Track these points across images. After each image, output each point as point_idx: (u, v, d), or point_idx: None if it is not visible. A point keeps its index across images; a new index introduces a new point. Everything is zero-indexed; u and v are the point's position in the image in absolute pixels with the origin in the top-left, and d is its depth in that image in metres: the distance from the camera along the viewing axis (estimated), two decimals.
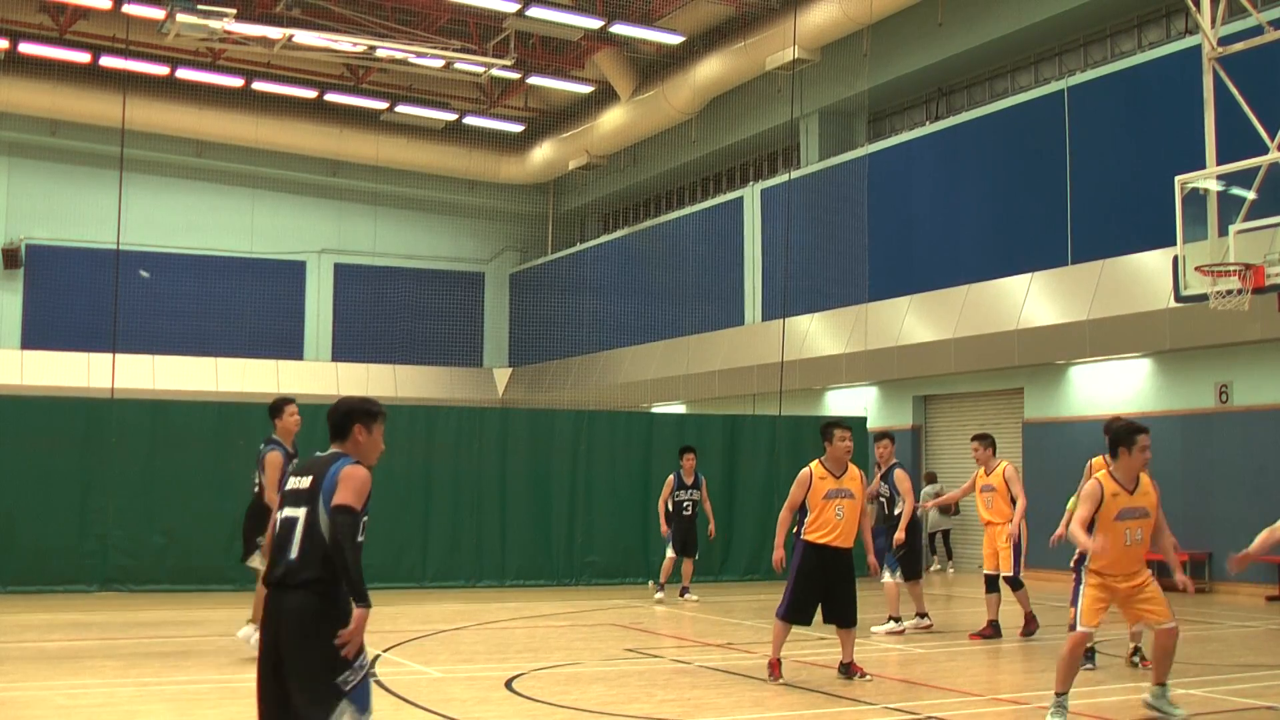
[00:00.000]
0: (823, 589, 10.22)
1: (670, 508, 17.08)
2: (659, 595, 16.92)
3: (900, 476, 13.86)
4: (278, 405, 11.40)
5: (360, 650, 5.37)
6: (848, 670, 10.26)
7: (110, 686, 9.80)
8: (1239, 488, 18.13)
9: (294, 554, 5.45)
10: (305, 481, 5.61)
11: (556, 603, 16.04)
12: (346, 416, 5.74)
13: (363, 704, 5.37)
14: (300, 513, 5.52)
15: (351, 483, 5.47)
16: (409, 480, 18.77)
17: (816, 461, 10.41)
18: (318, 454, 5.78)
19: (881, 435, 14.45)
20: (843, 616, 10.29)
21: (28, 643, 12.46)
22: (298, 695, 5.33)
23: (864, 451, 21.44)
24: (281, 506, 5.65)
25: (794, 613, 10.25)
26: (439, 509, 18.89)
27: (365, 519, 5.49)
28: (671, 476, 17.23)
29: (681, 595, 17.08)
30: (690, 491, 17.17)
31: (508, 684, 9.91)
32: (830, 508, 10.17)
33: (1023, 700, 9.46)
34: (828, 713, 9.13)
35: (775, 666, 10.12)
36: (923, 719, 8.70)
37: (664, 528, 17.06)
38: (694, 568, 17.48)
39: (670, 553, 17.02)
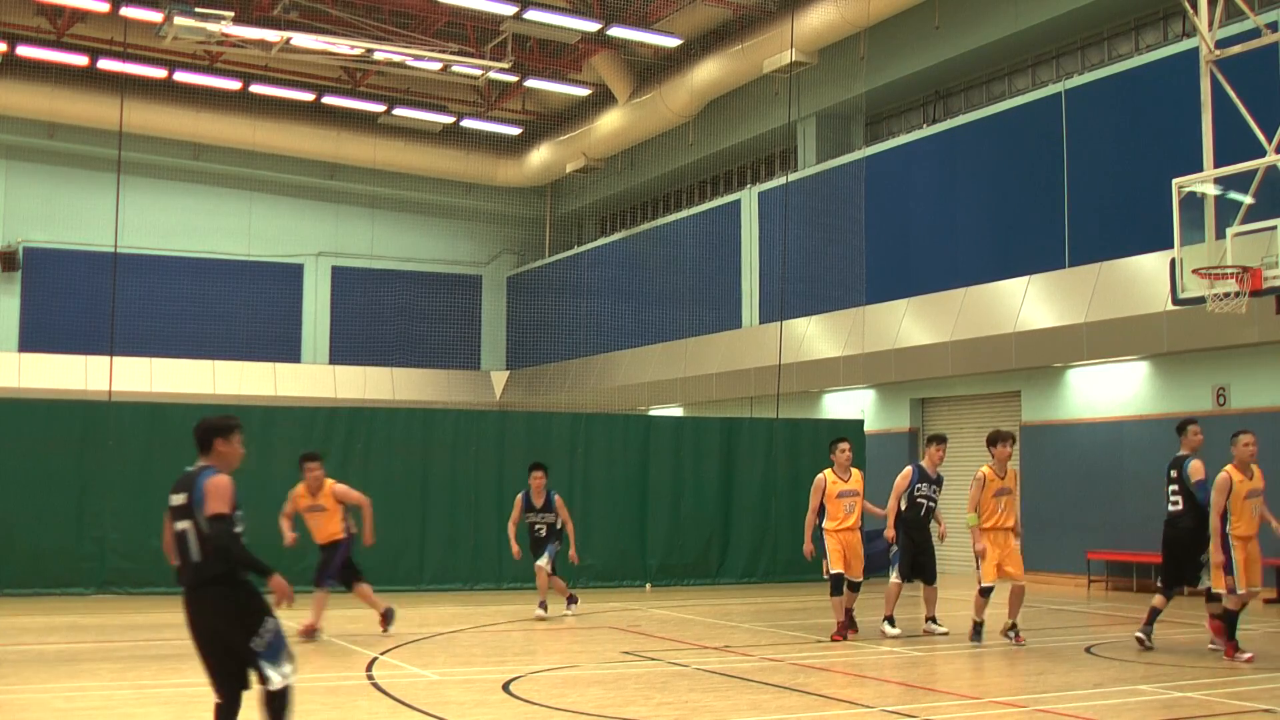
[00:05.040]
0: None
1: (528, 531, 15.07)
2: (540, 613, 15.00)
3: (903, 474, 14.02)
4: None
5: (266, 614, 6.47)
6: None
7: (108, 689, 9.79)
8: None
9: (197, 558, 6.50)
10: (182, 498, 6.59)
11: (554, 605, 16.00)
12: (206, 433, 6.72)
13: (274, 658, 6.45)
14: (188, 525, 6.54)
15: (216, 492, 6.48)
16: (406, 483, 18.78)
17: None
18: (187, 469, 6.70)
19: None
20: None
21: (25, 645, 12.45)
22: (228, 663, 6.50)
23: (861, 454, 21.42)
24: (172, 521, 6.63)
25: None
26: (436, 511, 18.89)
27: (239, 514, 6.50)
28: (520, 496, 15.03)
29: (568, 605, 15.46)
30: (541, 514, 14.93)
31: (505, 686, 9.91)
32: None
33: (1020, 703, 9.45)
34: (825, 715, 9.13)
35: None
36: None
37: (515, 550, 14.90)
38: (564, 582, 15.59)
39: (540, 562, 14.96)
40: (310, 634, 12.76)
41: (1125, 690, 9.96)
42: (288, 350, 36.45)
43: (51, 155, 34.06)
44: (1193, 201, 14.43)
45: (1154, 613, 12.39)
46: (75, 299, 32.66)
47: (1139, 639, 12.31)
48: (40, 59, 30.10)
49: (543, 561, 14.90)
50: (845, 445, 13.57)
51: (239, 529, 6.49)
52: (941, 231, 23.82)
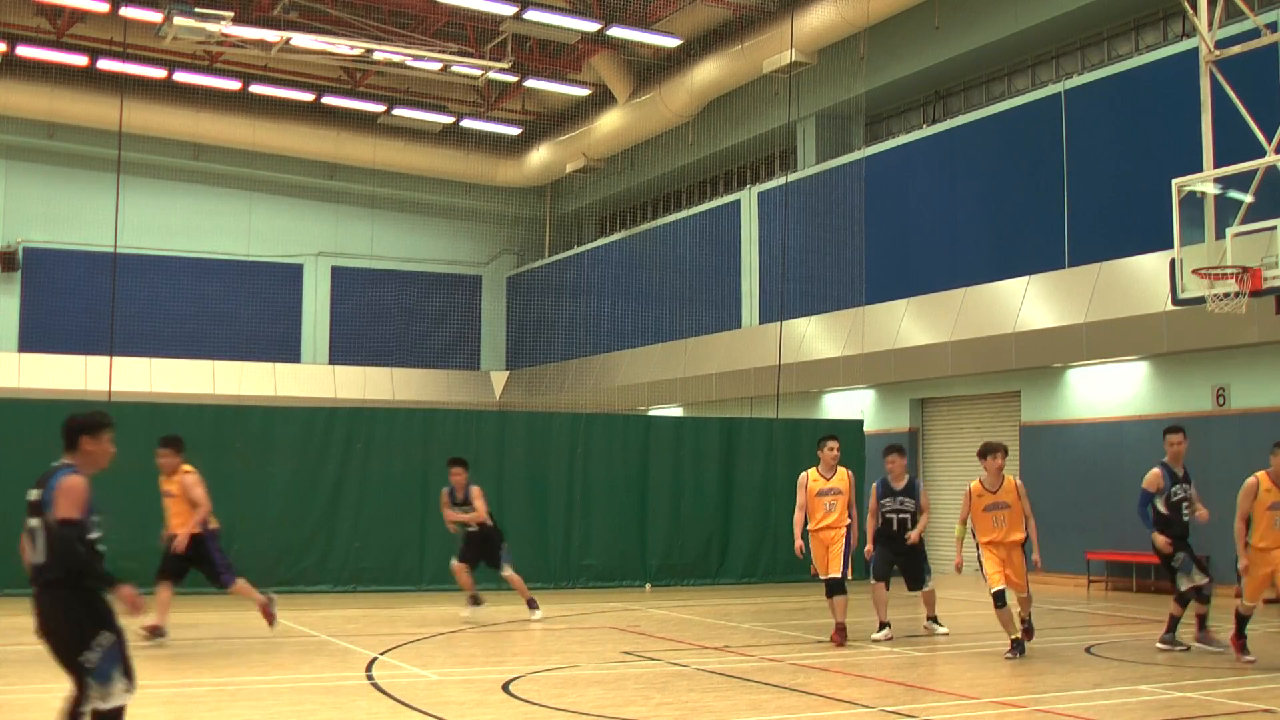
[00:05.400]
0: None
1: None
2: (536, 614, 14.93)
3: (871, 491, 14.19)
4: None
5: (105, 628, 6.19)
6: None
7: None
8: (1236, 491, 18.08)
9: (42, 558, 6.25)
10: (36, 494, 6.35)
11: (554, 605, 16.03)
12: (73, 431, 6.45)
13: (102, 676, 6.15)
14: (38, 522, 6.29)
15: (68, 495, 6.22)
16: (406, 483, 18.77)
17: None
18: (52, 464, 6.42)
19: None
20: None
21: (25, 645, 12.39)
22: (70, 666, 6.24)
23: (861, 453, 21.42)
24: (28, 516, 6.38)
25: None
26: (436, 511, 18.72)
27: (95, 519, 6.29)
28: (444, 492, 15.22)
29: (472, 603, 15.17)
30: (463, 508, 14.93)
31: (505, 687, 9.91)
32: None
33: (1019, 703, 9.45)
34: (825, 715, 9.13)
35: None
36: None
37: (451, 525, 15.21)
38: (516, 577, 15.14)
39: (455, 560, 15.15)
40: (268, 611, 12.38)
41: (1125, 690, 9.96)
42: (288, 350, 36.45)
43: (51, 155, 34.05)
44: (1193, 201, 14.43)
45: (1173, 620, 12.47)
46: (75, 299, 32.66)
47: (1161, 648, 12.35)
48: (40, 59, 30.10)
49: (507, 571, 14.96)
50: (833, 444, 13.10)
51: (94, 535, 6.21)
52: (941, 231, 23.82)
